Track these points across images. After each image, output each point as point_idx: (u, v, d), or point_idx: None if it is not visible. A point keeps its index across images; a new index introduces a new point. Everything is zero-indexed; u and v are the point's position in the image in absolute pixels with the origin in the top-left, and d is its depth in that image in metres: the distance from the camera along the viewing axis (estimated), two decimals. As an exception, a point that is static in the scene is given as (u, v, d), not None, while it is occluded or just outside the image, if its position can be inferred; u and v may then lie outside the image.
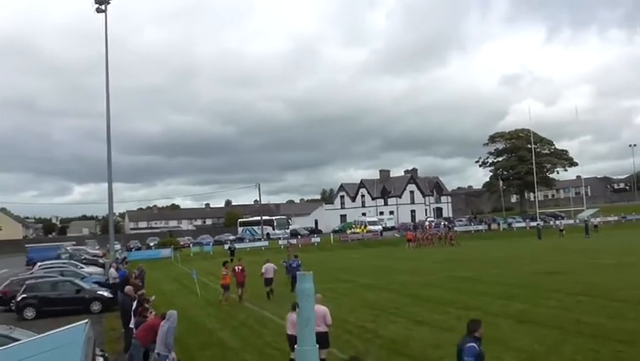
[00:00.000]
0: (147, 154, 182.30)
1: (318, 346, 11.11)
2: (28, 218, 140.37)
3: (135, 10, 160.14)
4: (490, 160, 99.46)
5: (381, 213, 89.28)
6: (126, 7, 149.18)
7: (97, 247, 67.97)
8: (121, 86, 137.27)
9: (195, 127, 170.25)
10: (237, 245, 57.14)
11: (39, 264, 35.90)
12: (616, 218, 74.21)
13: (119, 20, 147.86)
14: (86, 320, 6.42)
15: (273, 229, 77.64)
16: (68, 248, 55.65)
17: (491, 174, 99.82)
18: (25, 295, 22.40)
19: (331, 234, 69.11)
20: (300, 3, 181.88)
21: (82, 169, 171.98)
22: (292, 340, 11.37)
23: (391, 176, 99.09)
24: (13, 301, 23.22)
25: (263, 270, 23.64)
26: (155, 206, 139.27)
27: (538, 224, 63.61)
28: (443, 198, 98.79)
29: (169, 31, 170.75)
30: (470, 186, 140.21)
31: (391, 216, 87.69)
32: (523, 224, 72.08)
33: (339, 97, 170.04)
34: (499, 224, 71.61)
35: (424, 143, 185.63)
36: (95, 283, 26.82)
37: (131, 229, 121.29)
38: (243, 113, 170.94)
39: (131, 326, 14.11)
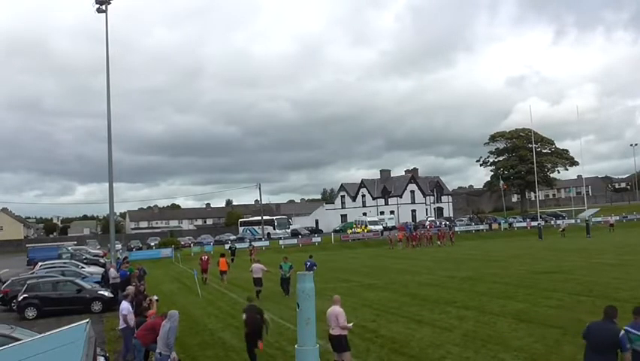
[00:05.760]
0: (150, 154, 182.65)
1: (336, 350, 11.11)
2: (29, 218, 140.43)
3: (142, 12, 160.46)
4: (490, 160, 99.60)
5: (382, 213, 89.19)
6: (134, 8, 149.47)
7: (98, 247, 67.96)
8: (127, 86, 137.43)
9: (198, 127, 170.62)
10: (238, 245, 57.07)
11: (40, 264, 35.94)
12: (617, 218, 74.10)
13: (127, 22, 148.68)
14: (87, 320, 6.43)
15: (274, 229, 77.69)
16: (69, 248, 55.65)
17: (492, 173, 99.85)
18: (26, 295, 22.42)
19: (332, 234, 69.08)
20: (306, 4, 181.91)
21: (85, 169, 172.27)
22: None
23: (392, 176, 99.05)
24: (14, 300, 23.27)
25: (251, 269, 24.29)
26: (155, 206, 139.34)
27: (539, 224, 63.54)
28: (444, 198, 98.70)
29: (175, 32, 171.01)
30: (471, 186, 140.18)
31: (392, 215, 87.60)
32: (524, 224, 71.97)
33: (343, 98, 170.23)
34: (499, 224, 71.52)
35: (427, 143, 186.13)
36: (96, 283, 26.86)
37: (132, 228, 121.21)
38: (246, 114, 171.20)
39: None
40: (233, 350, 14.74)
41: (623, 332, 7.74)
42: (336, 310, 11.07)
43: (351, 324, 11.55)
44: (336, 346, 11.09)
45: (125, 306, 14.47)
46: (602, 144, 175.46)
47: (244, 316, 13.58)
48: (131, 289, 16.23)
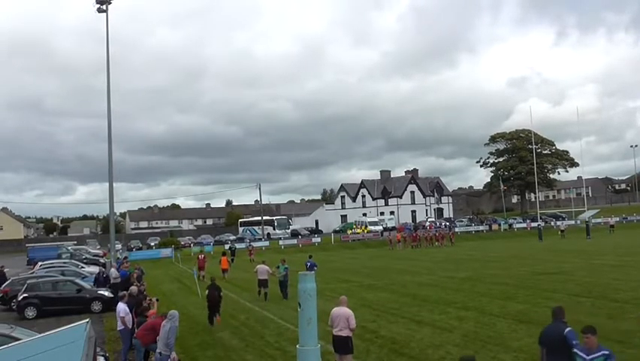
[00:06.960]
0: (151, 154, 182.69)
1: (340, 351, 11.06)
2: (29, 218, 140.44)
3: (144, 12, 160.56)
4: (491, 160, 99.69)
5: (382, 213, 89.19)
6: (135, 8, 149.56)
7: (98, 247, 67.95)
8: (128, 86, 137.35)
9: (199, 127, 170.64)
10: (238, 245, 57.06)
11: (40, 263, 35.94)
12: (617, 219, 74.09)
13: (129, 22, 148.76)
14: (87, 320, 6.43)
15: (274, 229, 77.65)
16: (69, 248, 55.64)
17: (492, 174, 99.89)
18: (26, 295, 22.43)
19: (332, 234, 69.09)
20: (308, 5, 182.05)
21: (86, 169, 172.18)
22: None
23: (392, 176, 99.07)
24: (14, 300, 23.26)
25: (255, 270, 24.21)
26: (155, 206, 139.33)
27: (539, 225, 63.52)
28: (444, 199, 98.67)
29: (177, 32, 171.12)
30: (471, 187, 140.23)
31: (392, 216, 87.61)
32: (524, 225, 72.00)
33: (344, 98, 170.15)
34: (499, 225, 71.55)
35: (427, 143, 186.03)
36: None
37: (132, 228, 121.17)
38: (247, 114, 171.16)
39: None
40: (233, 350, 14.74)
41: (569, 328, 7.72)
42: (346, 311, 11.02)
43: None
44: (342, 347, 10.98)
45: (122, 308, 14.45)
46: (602, 145, 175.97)
47: (207, 292, 18.11)
48: (133, 289, 16.23)
